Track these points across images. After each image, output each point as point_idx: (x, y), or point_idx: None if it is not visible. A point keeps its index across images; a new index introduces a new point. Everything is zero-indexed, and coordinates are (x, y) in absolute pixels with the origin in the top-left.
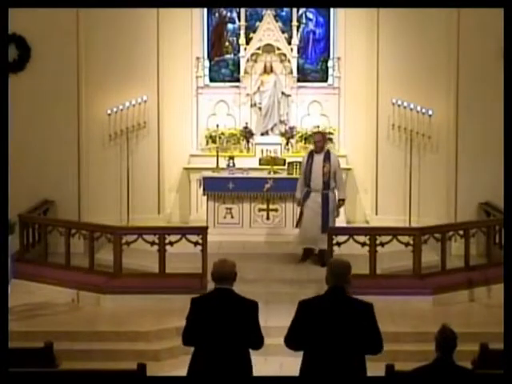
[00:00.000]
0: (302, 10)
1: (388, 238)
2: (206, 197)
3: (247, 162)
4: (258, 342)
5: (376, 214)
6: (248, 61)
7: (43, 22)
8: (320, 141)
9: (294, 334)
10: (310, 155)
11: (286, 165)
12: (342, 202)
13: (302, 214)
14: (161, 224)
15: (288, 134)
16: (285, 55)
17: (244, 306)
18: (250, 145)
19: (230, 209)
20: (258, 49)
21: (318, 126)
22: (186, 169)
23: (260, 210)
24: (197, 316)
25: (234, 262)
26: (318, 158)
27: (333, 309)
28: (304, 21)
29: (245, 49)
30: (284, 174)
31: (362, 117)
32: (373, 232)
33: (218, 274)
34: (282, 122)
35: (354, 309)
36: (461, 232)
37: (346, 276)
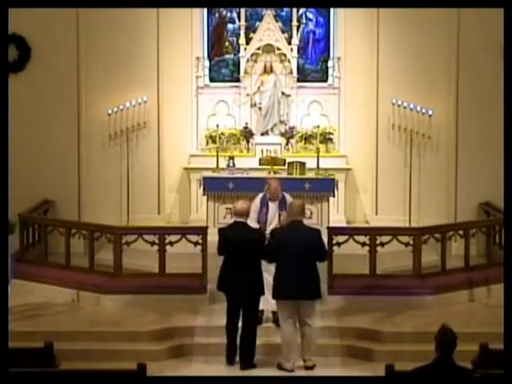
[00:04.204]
0: (301, 10)
1: (388, 238)
2: (206, 197)
3: (247, 162)
4: (264, 255)
5: (376, 214)
6: (248, 61)
7: (43, 22)
8: (276, 192)
9: (269, 252)
10: (265, 203)
11: (286, 165)
12: None
13: None
14: (161, 224)
15: (288, 134)
16: (285, 55)
17: (254, 233)
18: (250, 145)
19: (230, 209)
20: (258, 49)
21: (318, 126)
22: (186, 169)
23: None
24: (223, 239)
25: (249, 203)
26: (273, 206)
27: (294, 233)
28: (304, 21)
29: (245, 49)
30: (284, 174)
31: (361, 117)
32: (373, 232)
33: (237, 210)
34: (281, 122)
35: (308, 233)
36: (461, 232)
37: (301, 212)
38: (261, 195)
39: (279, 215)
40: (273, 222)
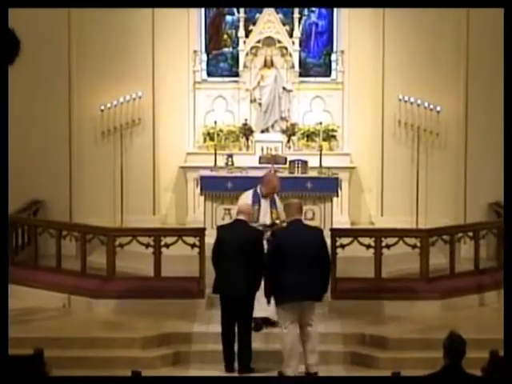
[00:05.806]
0: None
1: (394, 239)
2: (203, 197)
3: (246, 161)
4: (261, 258)
5: (381, 214)
6: (247, 54)
7: (33, 14)
8: (277, 189)
9: (272, 258)
10: (257, 200)
11: (288, 163)
12: None
13: None
14: (156, 225)
15: (289, 131)
16: (286, 48)
17: (254, 232)
18: (250, 142)
19: (229, 209)
20: (258, 42)
21: (321, 123)
22: (182, 167)
23: None
24: (221, 237)
25: (251, 204)
26: (265, 204)
27: (296, 233)
28: (306, 12)
29: (244, 42)
30: (285, 173)
31: (366, 113)
32: (378, 234)
33: (241, 208)
34: (283, 118)
35: (310, 232)
36: (470, 233)
37: (299, 210)
38: (251, 191)
39: (271, 212)
40: (264, 220)
